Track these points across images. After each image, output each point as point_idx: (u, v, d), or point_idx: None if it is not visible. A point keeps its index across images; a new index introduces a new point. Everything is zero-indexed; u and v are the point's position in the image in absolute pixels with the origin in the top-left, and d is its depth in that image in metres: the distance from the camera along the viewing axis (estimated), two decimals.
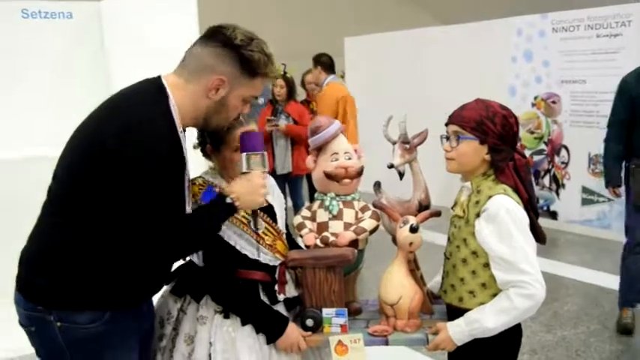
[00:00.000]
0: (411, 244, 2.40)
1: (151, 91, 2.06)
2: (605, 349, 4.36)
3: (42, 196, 2.13)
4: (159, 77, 2.11)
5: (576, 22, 7.18)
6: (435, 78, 8.68)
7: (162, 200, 1.96)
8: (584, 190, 7.27)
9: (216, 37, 2.07)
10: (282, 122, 6.55)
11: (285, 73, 6.90)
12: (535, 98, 7.62)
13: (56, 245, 2.03)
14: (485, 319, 2.22)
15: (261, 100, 6.95)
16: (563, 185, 7.49)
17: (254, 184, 2.19)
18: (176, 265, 2.34)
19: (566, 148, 7.44)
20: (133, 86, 2.13)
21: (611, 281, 5.71)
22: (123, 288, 2.07)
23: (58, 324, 2.03)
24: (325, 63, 6.68)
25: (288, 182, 6.67)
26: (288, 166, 6.53)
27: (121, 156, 1.90)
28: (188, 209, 2.17)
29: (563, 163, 7.47)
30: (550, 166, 7.59)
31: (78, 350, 2.06)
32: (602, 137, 6.63)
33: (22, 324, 2.13)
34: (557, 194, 7.53)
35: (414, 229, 2.37)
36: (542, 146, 7.61)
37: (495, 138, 2.27)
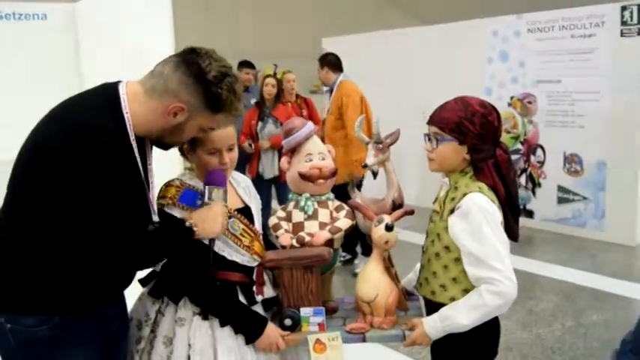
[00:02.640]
0: (386, 242, 2.43)
1: (103, 97, 2.05)
2: (579, 346, 4.42)
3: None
4: (117, 83, 2.10)
5: (551, 22, 7.27)
6: (412, 78, 8.73)
7: (100, 209, 1.93)
8: (560, 188, 7.36)
9: (190, 65, 2.02)
10: (268, 128, 6.52)
11: (275, 73, 6.87)
12: (511, 98, 7.71)
13: (7, 250, 2.03)
14: (457, 316, 2.26)
15: (254, 101, 6.92)
16: (539, 184, 7.57)
17: (214, 213, 2.22)
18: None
19: (542, 147, 7.52)
20: (88, 91, 2.12)
21: (586, 279, 5.83)
22: (70, 293, 2.06)
23: (8, 326, 2.03)
24: (332, 62, 6.27)
25: (276, 186, 6.64)
26: (275, 170, 6.49)
27: (59, 161, 1.89)
28: (154, 217, 2.18)
29: (539, 162, 7.55)
30: (526, 166, 7.66)
31: (29, 353, 2.05)
32: (577, 137, 6.73)
33: None
34: (534, 193, 7.60)
35: (389, 228, 2.40)
36: (519, 146, 7.68)
37: (475, 138, 2.29)
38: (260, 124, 6.53)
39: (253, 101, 6.98)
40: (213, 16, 12.33)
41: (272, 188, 6.66)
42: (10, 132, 4.87)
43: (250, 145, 6.40)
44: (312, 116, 6.76)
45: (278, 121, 6.50)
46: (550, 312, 5.07)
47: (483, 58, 8.01)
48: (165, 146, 2.23)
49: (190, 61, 2.03)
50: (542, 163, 7.53)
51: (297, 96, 7.00)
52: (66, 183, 1.89)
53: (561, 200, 7.36)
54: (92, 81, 5.07)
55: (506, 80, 7.80)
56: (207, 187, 2.28)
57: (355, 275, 5.93)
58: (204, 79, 2.01)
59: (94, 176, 1.90)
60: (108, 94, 2.06)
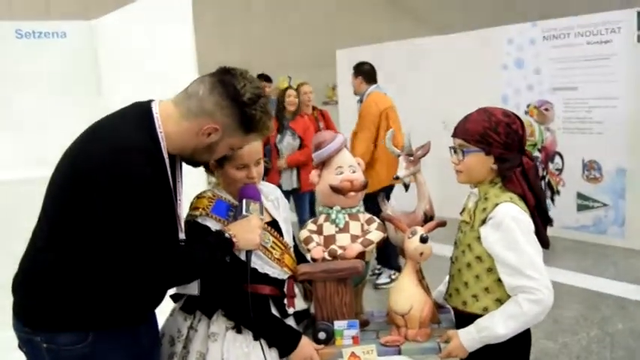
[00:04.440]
0: (421, 254, 2.43)
1: (137, 117, 2.07)
2: (606, 355, 4.39)
3: (36, 219, 2.15)
4: (149, 102, 2.12)
5: (566, 29, 7.24)
6: (429, 88, 8.73)
7: (140, 227, 1.96)
8: (579, 196, 7.31)
9: (225, 87, 2.04)
10: (287, 140, 6.56)
11: (290, 86, 6.88)
12: (528, 106, 7.67)
13: (39, 268, 2.06)
14: (495, 326, 2.25)
15: None
16: (558, 192, 7.52)
17: (252, 225, 2.25)
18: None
19: (560, 154, 7.48)
20: (121, 111, 2.15)
21: (610, 286, 5.77)
22: (105, 310, 2.07)
23: (45, 345, 2.06)
24: (367, 72, 6.18)
25: (295, 198, 6.66)
26: (294, 183, 6.53)
27: (96, 182, 1.92)
28: (181, 235, 2.20)
29: (557, 169, 7.51)
30: (544, 173, 7.63)
31: None
32: (596, 143, 6.69)
33: (19, 346, 2.17)
34: (553, 201, 7.56)
35: (424, 240, 2.39)
36: (536, 153, 7.64)
37: (500, 148, 2.30)
38: (279, 136, 6.55)
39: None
40: (230, 30, 12.38)
41: (290, 200, 6.67)
42: (32, 149, 4.95)
43: (266, 162, 6.43)
44: (328, 128, 6.77)
45: (296, 133, 6.52)
46: (575, 321, 5.03)
47: (499, 66, 7.99)
48: (196, 164, 2.25)
49: (226, 83, 2.05)
50: (560, 170, 7.49)
51: (314, 108, 7.00)
52: (106, 202, 1.92)
53: (581, 207, 7.32)
54: (112, 98, 5.14)
55: (522, 88, 7.77)
56: (244, 200, 2.30)
57: (377, 288, 5.93)
58: (239, 101, 2.03)
59: (132, 194, 1.92)
60: (141, 113, 2.08)
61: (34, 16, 8.59)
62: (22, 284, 2.13)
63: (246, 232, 2.23)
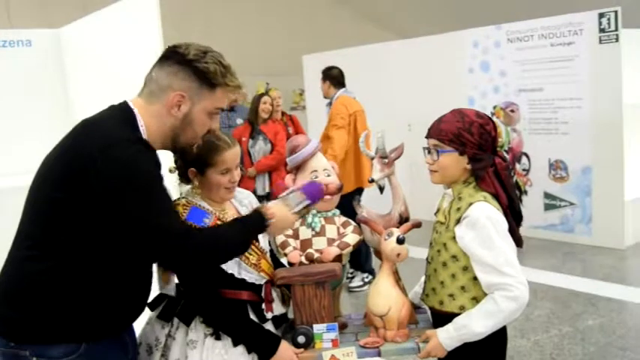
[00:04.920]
0: (398, 255, 2.44)
1: (121, 115, 2.07)
2: (578, 352, 4.45)
3: (4, 227, 2.08)
4: (125, 102, 2.12)
5: (530, 32, 7.36)
6: (395, 92, 8.80)
7: (159, 209, 1.98)
8: (547, 195, 7.42)
9: (171, 57, 2.10)
10: (259, 145, 6.57)
11: (267, 91, 6.91)
12: (494, 108, 7.77)
13: (30, 278, 1.98)
14: (473, 324, 2.28)
15: (239, 121, 6.94)
16: (526, 192, 7.62)
17: (290, 218, 2.31)
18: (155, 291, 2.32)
19: (526, 155, 7.59)
20: (102, 112, 2.13)
21: (579, 284, 5.87)
22: (99, 318, 2.04)
23: (34, 359, 1.98)
24: (334, 77, 6.26)
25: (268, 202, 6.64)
26: (266, 187, 6.57)
27: (104, 177, 1.89)
28: None
29: (524, 170, 7.61)
30: (512, 174, 7.72)
31: None
32: (562, 143, 6.80)
33: None
34: (520, 201, 7.63)
35: (400, 241, 2.41)
36: (503, 154, 7.71)
37: (474, 148, 2.34)
38: (251, 141, 6.56)
39: (239, 121, 6.99)
40: (195, 37, 12.32)
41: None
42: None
43: (240, 167, 6.43)
44: (297, 132, 6.79)
45: (267, 137, 6.52)
46: (546, 318, 5.09)
47: (465, 69, 8.08)
48: (182, 149, 2.25)
49: (170, 54, 2.11)
50: (527, 170, 7.59)
51: (283, 113, 7.02)
52: (113, 193, 1.90)
53: (548, 207, 7.43)
54: (78, 105, 5.07)
55: (488, 90, 7.87)
56: (300, 191, 2.35)
57: (350, 291, 5.95)
58: (186, 60, 2.07)
59: (139, 181, 1.93)
60: (123, 111, 2.08)
61: None
62: (6, 296, 2.03)
63: (284, 220, 2.29)
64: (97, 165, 1.89)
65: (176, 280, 2.38)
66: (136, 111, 2.07)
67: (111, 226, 1.93)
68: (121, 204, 1.91)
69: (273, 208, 2.27)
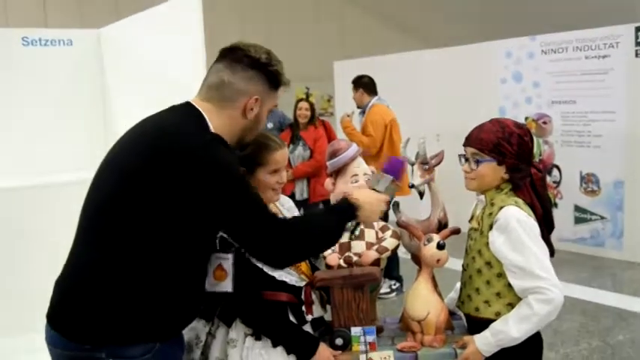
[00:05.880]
0: (438, 260, 2.46)
1: (190, 117, 2.08)
2: None
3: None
4: (189, 103, 2.12)
5: (565, 43, 7.31)
6: (426, 100, 8.78)
7: (259, 203, 2.04)
8: (577, 208, 7.37)
9: (241, 60, 2.11)
10: (298, 151, 6.65)
11: (307, 96, 6.94)
12: (526, 119, 7.72)
13: (107, 279, 1.96)
14: (509, 329, 2.29)
15: (269, 125, 6.97)
16: (556, 204, 7.56)
17: (379, 199, 2.31)
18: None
19: (557, 167, 7.54)
20: (173, 113, 2.13)
21: (609, 298, 5.81)
22: (172, 316, 2.05)
23: None
24: (367, 85, 6.30)
25: (305, 208, 6.64)
26: (304, 194, 6.63)
27: (204, 176, 1.92)
28: None
29: (555, 182, 7.56)
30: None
31: None
32: (594, 156, 6.74)
33: None
34: None
35: (441, 246, 2.43)
36: (538, 165, 7.67)
37: (513, 158, 2.36)
38: (291, 146, 6.64)
39: (270, 125, 7.03)
40: (225, 38, 12.41)
41: (300, 210, 6.71)
42: (39, 156, 4.96)
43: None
44: (330, 138, 6.81)
45: (307, 144, 6.61)
46: (575, 332, 5.06)
47: (497, 80, 8.05)
48: (245, 146, 2.30)
49: (240, 58, 2.12)
50: (558, 183, 7.54)
51: (317, 118, 7.08)
52: (216, 190, 1.95)
53: (578, 220, 7.37)
54: (117, 105, 5.13)
55: (520, 101, 7.84)
56: (381, 173, 2.38)
57: (378, 297, 5.93)
58: (260, 63, 2.12)
59: (237, 177, 2.01)
60: (191, 113, 2.09)
61: (32, 25, 8.57)
62: (78, 297, 1.99)
63: (372, 205, 2.27)
64: (195, 164, 1.93)
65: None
66: (204, 114, 2.08)
67: (203, 223, 1.99)
68: (225, 200, 1.96)
69: (357, 193, 2.28)
